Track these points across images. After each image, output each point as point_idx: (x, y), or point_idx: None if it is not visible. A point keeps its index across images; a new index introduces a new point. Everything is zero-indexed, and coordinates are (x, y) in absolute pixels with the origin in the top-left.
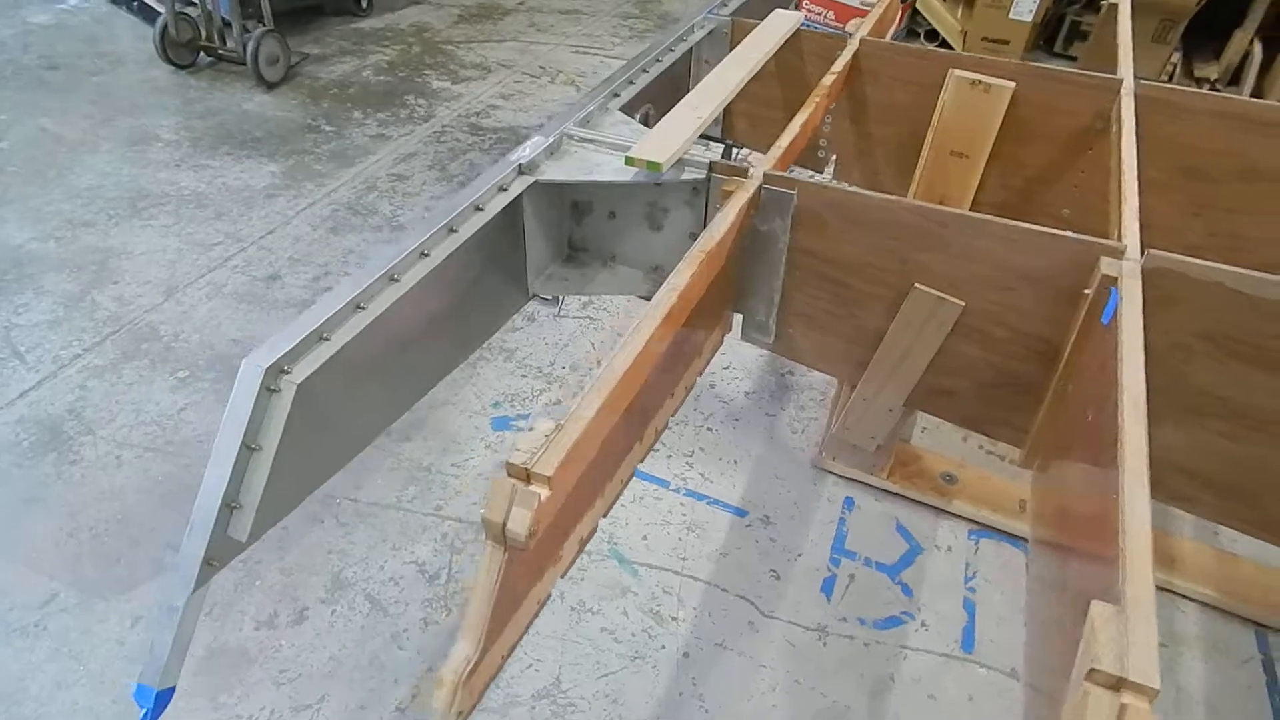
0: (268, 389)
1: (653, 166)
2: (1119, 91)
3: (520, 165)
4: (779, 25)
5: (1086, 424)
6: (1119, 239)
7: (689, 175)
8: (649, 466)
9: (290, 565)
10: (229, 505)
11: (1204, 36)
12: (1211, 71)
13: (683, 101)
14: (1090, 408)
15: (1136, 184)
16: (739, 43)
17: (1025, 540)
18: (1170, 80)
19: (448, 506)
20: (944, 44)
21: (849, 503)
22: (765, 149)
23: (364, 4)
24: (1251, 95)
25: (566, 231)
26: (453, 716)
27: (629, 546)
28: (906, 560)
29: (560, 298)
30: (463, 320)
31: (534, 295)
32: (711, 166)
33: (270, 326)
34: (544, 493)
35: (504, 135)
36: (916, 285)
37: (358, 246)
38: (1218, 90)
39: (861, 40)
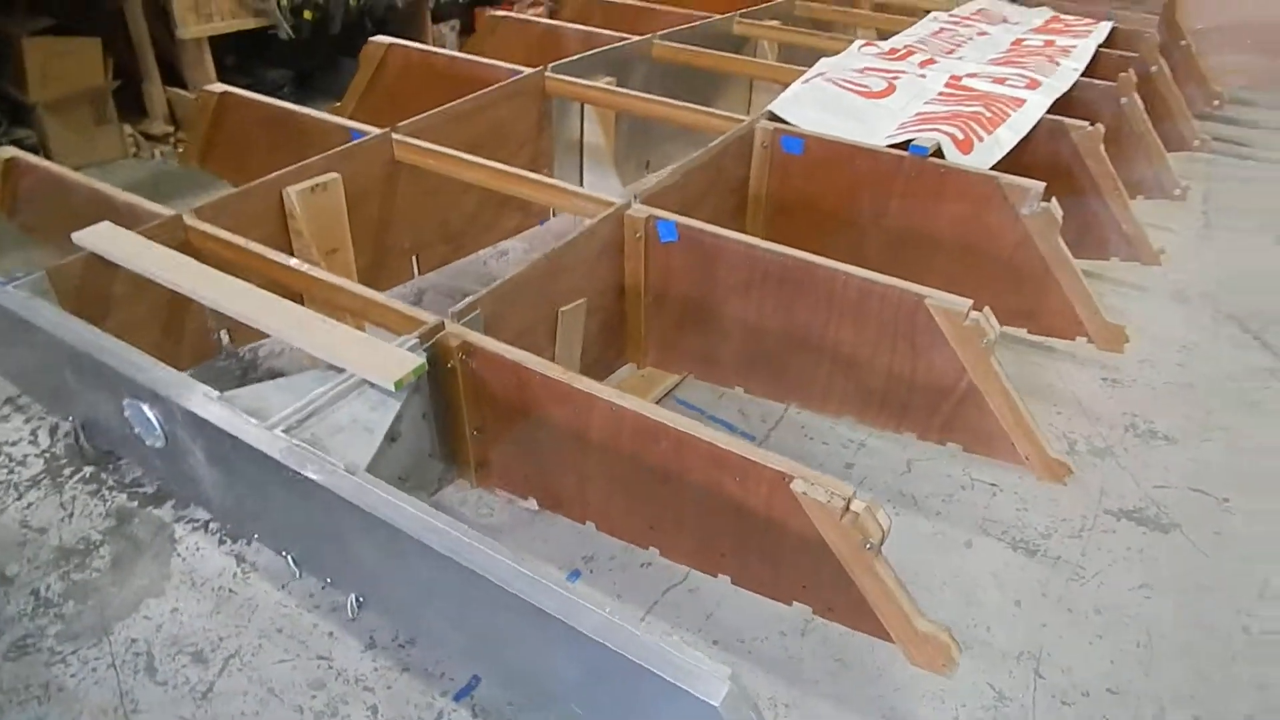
0: None
1: (419, 370)
2: (392, 143)
3: (343, 467)
4: (117, 235)
5: (703, 307)
6: (604, 207)
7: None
8: None
9: None
10: None
11: None
12: None
13: (286, 327)
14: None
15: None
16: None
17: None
18: None
19: None
20: None
21: None
22: None
23: None
24: None
25: None
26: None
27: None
28: None
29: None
30: None
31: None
32: (421, 338)
33: None
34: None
35: None
36: (559, 310)
37: None
38: None
39: (192, 213)
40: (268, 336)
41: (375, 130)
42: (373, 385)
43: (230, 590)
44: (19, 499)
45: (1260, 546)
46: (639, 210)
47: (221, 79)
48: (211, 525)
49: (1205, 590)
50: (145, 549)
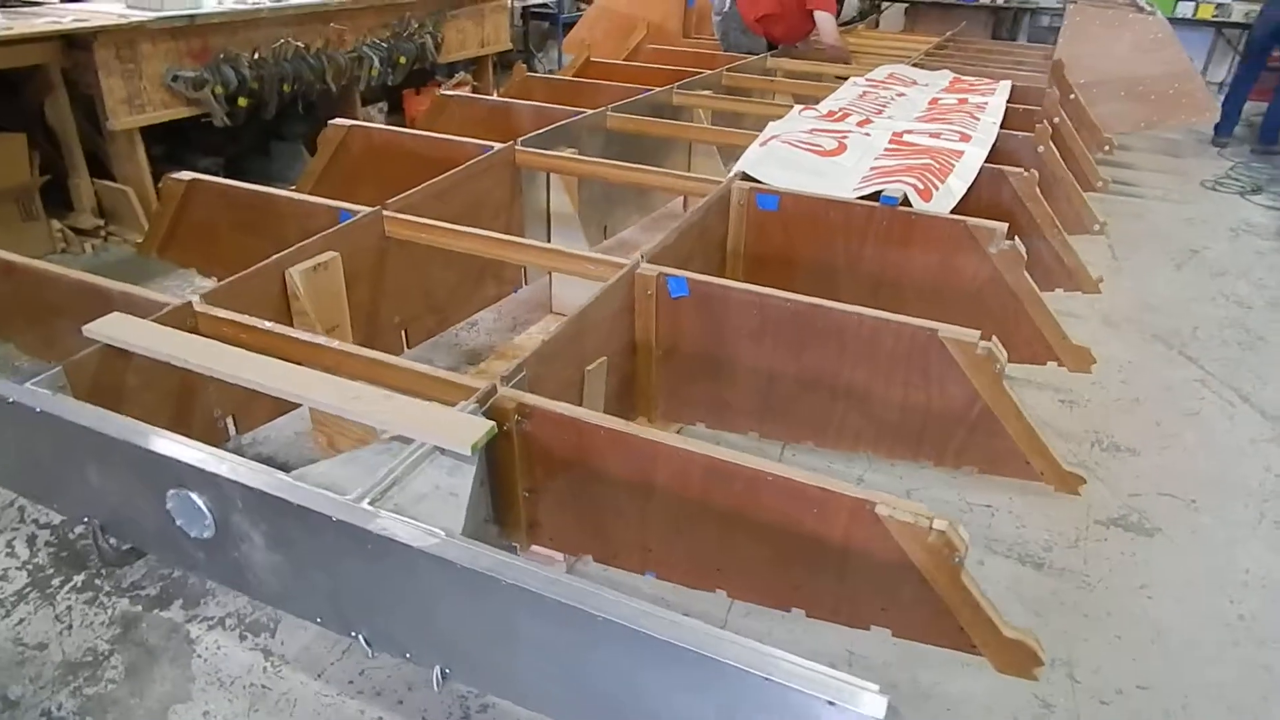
0: None
1: (490, 433)
2: (384, 220)
3: (444, 533)
4: (133, 326)
5: (713, 357)
6: (616, 269)
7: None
8: None
9: None
10: None
11: None
12: None
13: (343, 402)
14: (710, 344)
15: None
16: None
17: None
18: None
19: None
20: None
21: None
22: None
23: None
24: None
25: None
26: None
27: None
28: None
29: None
30: None
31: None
32: (478, 402)
33: None
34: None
35: None
36: (585, 369)
37: None
38: None
39: (201, 299)
40: (269, 421)
41: (363, 209)
42: (443, 451)
43: (263, 686)
44: (7, 616)
45: (1232, 540)
46: (648, 269)
47: (151, 169)
48: (229, 621)
49: (1196, 585)
50: (160, 653)
